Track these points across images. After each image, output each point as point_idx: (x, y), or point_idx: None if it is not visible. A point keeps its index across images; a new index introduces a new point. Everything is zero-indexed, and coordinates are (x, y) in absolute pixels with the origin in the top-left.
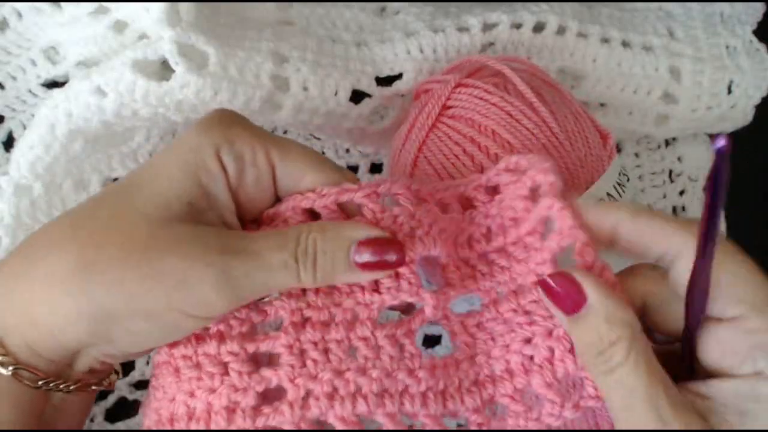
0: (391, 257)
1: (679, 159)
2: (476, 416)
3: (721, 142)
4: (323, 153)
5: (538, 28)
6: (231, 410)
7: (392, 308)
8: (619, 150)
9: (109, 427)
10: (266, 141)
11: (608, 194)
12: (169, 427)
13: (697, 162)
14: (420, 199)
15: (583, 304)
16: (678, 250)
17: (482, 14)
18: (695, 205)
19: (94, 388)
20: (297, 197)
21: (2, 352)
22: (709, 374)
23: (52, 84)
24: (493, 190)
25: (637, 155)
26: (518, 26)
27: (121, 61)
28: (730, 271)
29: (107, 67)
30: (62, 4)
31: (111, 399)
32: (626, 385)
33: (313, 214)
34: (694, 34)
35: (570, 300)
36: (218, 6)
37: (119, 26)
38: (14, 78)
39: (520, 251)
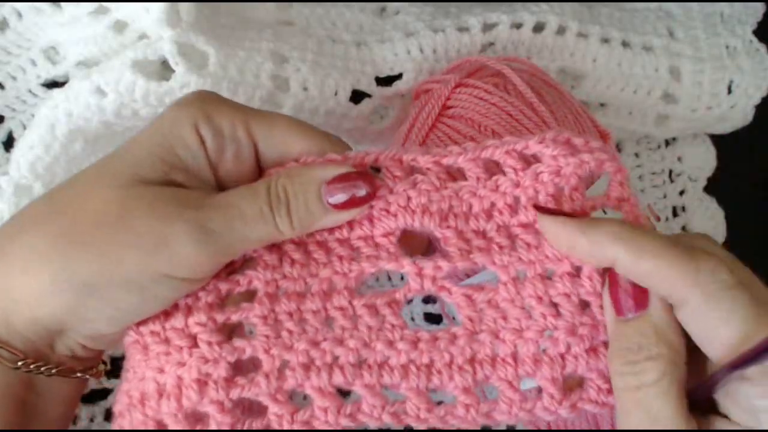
0: (362, 191)
1: (679, 159)
2: (464, 396)
3: None
4: None
5: (538, 28)
6: (202, 383)
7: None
8: (619, 150)
9: (109, 427)
10: (247, 115)
11: None
12: (140, 408)
13: (697, 162)
14: (415, 170)
15: (643, 309)
16: (682, 299)
17: (482, 14)
18: (695, 205)
19: (79, 375)
20: (278, 170)
21: None
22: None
23: (52, 84)
24: (529, 159)
25: (637, 155)
26: (518, 26)
27: (121, 61)
28: (743, 330)
29: (107, 67)
30: (62, 4)
31: (111, 399)
32: (650, 409)
33: None
34: (694, 34)
35: (632, 300)
36: (218, 6)
37: (119, 26)
38: (14, 78)
39: None
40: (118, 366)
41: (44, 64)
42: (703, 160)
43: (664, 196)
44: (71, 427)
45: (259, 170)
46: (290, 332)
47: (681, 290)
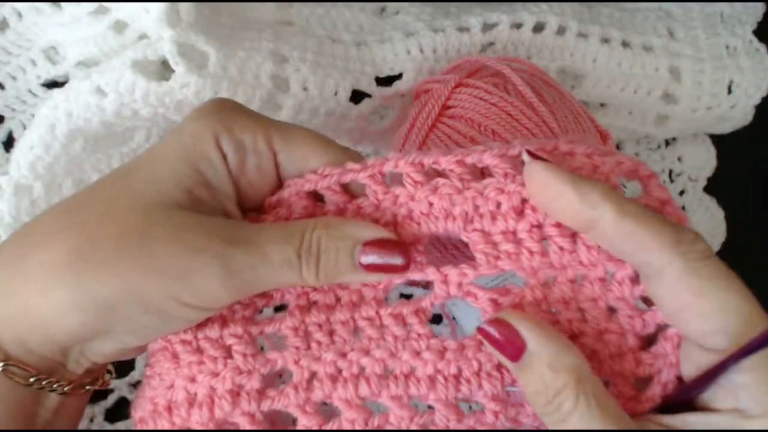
0: (397, 260)
1: (679, 159)
2: (494, 404)
3: None
4: None
5: (538, 28)
6: (235, 393)
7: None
8: (619, 150)
9: (109, 427)
10: (267, 126)
11: None
12: (166, 416)
13: (697, 162)
14: (436, 173)
15: (524, 350)
16: (658, 268)
17: (482, 14)
18: (695, 205)
19: (88, 388)
20: (298, 181)
21: None
22: (678, 406)
23: (52, 84)
24: (562, 157)
25: (637, 155)
26: (518, 26)
27: (121, 61)
28: (721, 300)
29: (107, 67)
30: (62, 4)
31: (111, 399)
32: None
33: (317, 197)
34: (694, 34)
35: (511, 347)
36: (218, 6)
37: (119, 26)
38: (14, 78)
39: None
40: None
41: (44, 64)
42: (703, 160)
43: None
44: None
45: (279, 181)
46: (319, 343)
47: (660, 257)
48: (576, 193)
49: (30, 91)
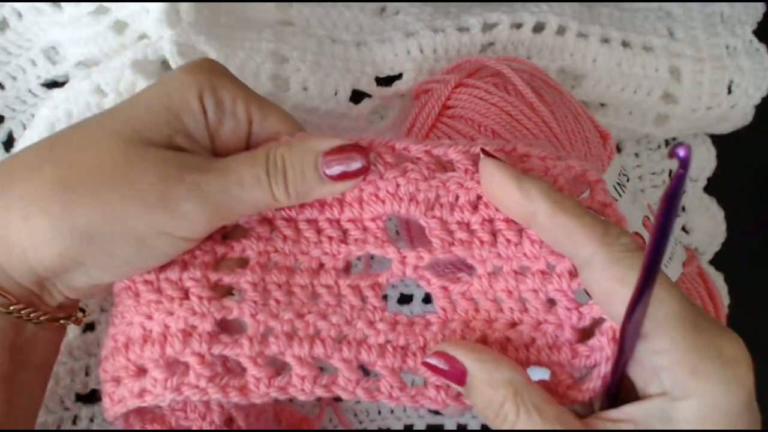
0: (357, 163)
1: None
2: (435, 379)
3: (683, 151)
4: None
5: (538, 28)
6: (187, 333)
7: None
8: (619, 150)
9: (109, 427)
10: (248, 96)
11: None
12: (123, 352)
13: (697, 162)
14: (407, 158)
15: (466, 374)
16: (586, 259)
17: (482, 14)
18: (695, 205)
19: (62, 322)
20: (278, 140)
21: None
22: (630, 398)
23: (52, 84)
24: (518, 160)
25: (637, 155)
26: (518, 26)
27: (121, 61)
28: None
29: (107, 67)
30: (62, 4)
31: None
32: None
33: None
34: (694, 34)
35: (454, 373)
36: (218, 6)
37: (119, 26)
38: (14, 78)
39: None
40: None
41: (44, 64)
42: (703, 160)
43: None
44: (72, 427)
45: (247, 147)
46: (277, 302)
47: (587, 248)
48: (518, 188)
49: (30, 91)
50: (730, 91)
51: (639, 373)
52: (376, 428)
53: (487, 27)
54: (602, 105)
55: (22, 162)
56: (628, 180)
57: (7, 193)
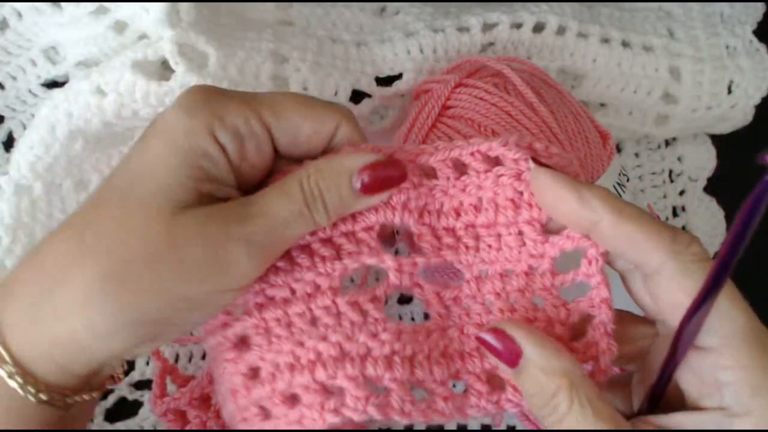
0: (392, 173)
1: (679, 159)
2: (442, 389)
3: None
4: None
5: (538, 28)
6: (233, 392)
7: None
8: (619, 150)
9: (109, 427)
10: (255, 105)
11: None
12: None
13: (697, 162)
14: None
15: (520, 357)
16: (655, 268)
17: (482, 14)
18: (695, 205)
19: (107, 387)
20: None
21: (33, 381)
22: (673, 405)
23: (52, 84)
24: (493, 161)
25: (637, 155)
26: (518, 26)
27: (121, 62)
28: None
29: (107, 67)
30: (62, 4)
31: (111, 399)
32: (576, 430)
33: None
34: (694, 34)
35: (508, 354)
36: (218, 6)
37: (119, 26)
38: (14, 78)
39: (514, 239)
40: None
41: (44, 64)
42: (703, 160)
43: (664, 196)
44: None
45: (276, 153)
46: (279, 337)
47: (656, 258)
48: (577, 197)
49: (30, 91)
50: (730, 91)
51: (695, 384)
52: (376, 428)
53: (487, 27)
54: (602, 105)
55: (58, 260)
56: (628, 180)
57: (53, 298)
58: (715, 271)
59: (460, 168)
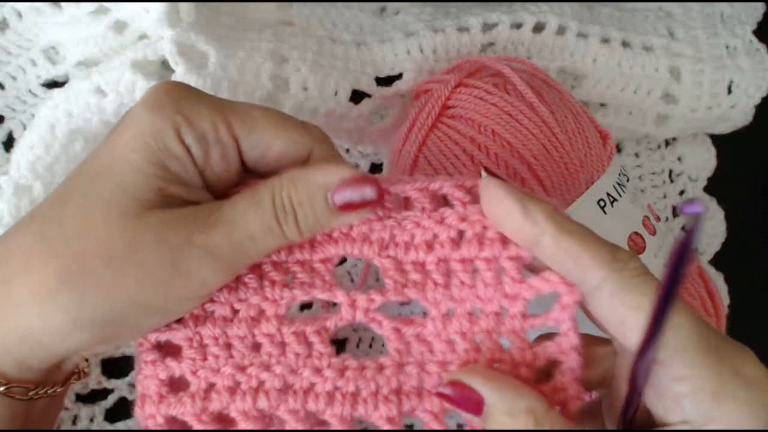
0: (370, 194)
1: (679, 159)
2: (389, 425)
3: (697, 208)
4: None
5: (538, 28)
6: (143, 397)
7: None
8: (619, 150)
9: (109, 427)
10: (226, 112)
11: (608, 194)
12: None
13: (697, 162)
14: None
15: (482, 404)
16: (596, 285)
17: (482, 14)
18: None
19: (72, 381)
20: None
21: None
22: (644, 425)
23: (52, 84)
24: (477, 196)
25: (637, 155)
26: (518, 26)
27: (121, 61)
28: (651, 304)
29: (107, 67)
30: (62, 4)
31: (111, 399)
32: None
33: None
34: (694, 34)
35: (470, 404)
36: (218, 6)
37: (119, 26)
38: (14, 78)
39: (492, 275)
40: (117, 367)
41: (44, 64)
42: (703, 160)
43: (664, 196)
44: (72, 427)
45: (243, 164)
46: (216, 356)
47: (597, 274)
48: (521, 210)
49: (30, 91)
50: (730, 91)
51: (657, 401)
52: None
53: (487, 27)
54: (602, 105)
55: (17, 257)
56: (628, 180)
57: (10, 294)
58: (657, 312)
59: (438, 200)
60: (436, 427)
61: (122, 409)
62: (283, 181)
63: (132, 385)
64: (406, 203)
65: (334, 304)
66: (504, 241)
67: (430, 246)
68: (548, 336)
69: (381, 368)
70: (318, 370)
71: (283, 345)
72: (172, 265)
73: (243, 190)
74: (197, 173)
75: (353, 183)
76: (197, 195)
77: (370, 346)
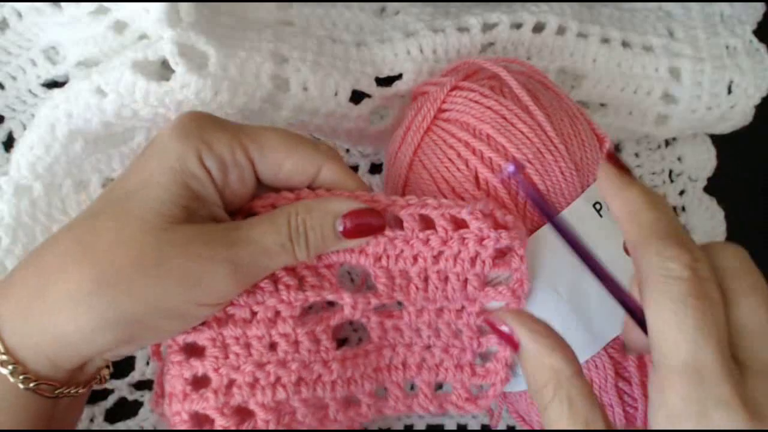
0: (374, 223)
1: (679, 159)
2: (368, 398)
3: (510, 167)
4: None
5: (538, 28)
6: (171, 395)
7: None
8: (619, 150)
9: (109, 427)
10: (242, 137)
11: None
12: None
13: (697, 162)
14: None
15: (518, 346)
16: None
17: (482, 14)
18: (695, 205)
19: (93, 385)
20: (296, 201)
21: (23, 370)
22: None
23: (52, 84)
24: (460, 222)
25: (637, 155)
26: (518, 26)
27: (121, 62)
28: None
29: (107, 67)
30: (62, 4)
31: (111, 399)
32: (551, 422)
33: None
34: (694, 34)
35: (512, 341)
36: (218, 6)
37: (119, 26)
38: (14, 78)
39: (460, 284)
40: (117, 368)
41: (44, 64)
42: (703, 160)
43: (664, 196)
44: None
45: (259, 183)
46: (237, 355)
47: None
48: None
49: (30, 91)
50: (730, 91)
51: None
52: (375, 428)
53: (487, 27)
54: (602, 105)
55: (54, 261)
56: None
57: (47, 294)
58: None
59: (426, 222)
60: (399, 394)
61: (122, 410)
62: (299, 207)
63: (132, 386)
64: (399, 222)
65: (332, 303)
66: (473, 263)
67: (415, 259)
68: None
69: (367, 354)
70: (326, 363)
71: (296, 343)
72: (196, 275)
73: (260, 211)
74: (217, 192)
75: (360, 214)
76: (217, 212)
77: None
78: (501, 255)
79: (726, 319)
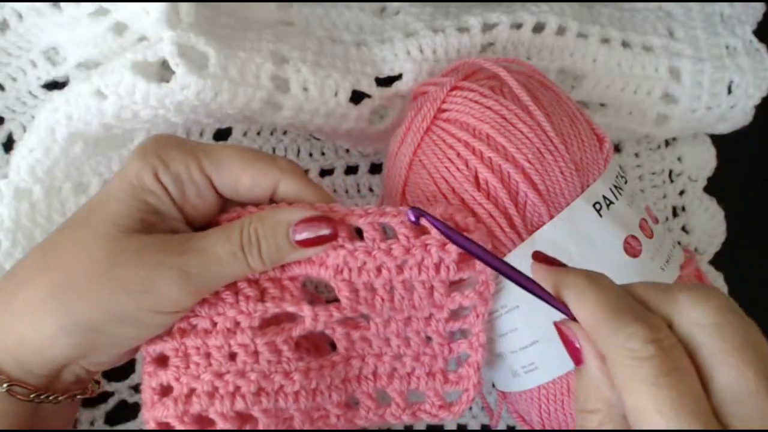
0: (325, 231)
1: (679, 159)
2: (337, 409)
3: (410, 216)
4: (323, 153)
5: (538, 28)
6: (144, 403)
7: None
8: (619, 150)
9: (110, 429)
10: (198, 156)
11: (604, 197)
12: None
13: (697, 162)
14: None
15: (578, 365)
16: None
17: (482, 14)
18: (695, 205)
19: (78, 397)
20: (251, 213)
21: None
22: None
23: (53, 85)
24: (421, 230)
25: (637, 155)
26: (518, 26)
27: (121, 63)
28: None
29: (107, 69)
30: (62, 5)
31: (111, 402)
32: None
33: None
34: (694, 34)
35: (575, 352)
36: (218, 7)
37: (119, 28)
38: (14, 79)
39: (425, 292)
40: (117, 370)
41: (44, 65)
42: (703, 160)
43: (664, 196)
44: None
45: (220, 198)
46: (197, 364)
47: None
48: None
49: (30, 93)
50: (730, 91)
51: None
52: (376, 428)
53: (487, 27)
54: (602, 105)
55: (24, 271)
56: (626, 182)
57: (12, 301)
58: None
59: (387, 231)
60: (371, 404)
61: (122, 412)
62: (253, 218)
63: (132, 388)
64: (360, 233)
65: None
66: (437, 269)
67: (379, 271)
68: (464, 332)
69: (333, 365)
70: (287, 374)
71: (256, 354)
72: (143, 281)
73: (219, 220)
74: (175, 207)
75: (312, 222)
76: (177, 226)
77: None
78: (465, 259)
79: (707, 380)
